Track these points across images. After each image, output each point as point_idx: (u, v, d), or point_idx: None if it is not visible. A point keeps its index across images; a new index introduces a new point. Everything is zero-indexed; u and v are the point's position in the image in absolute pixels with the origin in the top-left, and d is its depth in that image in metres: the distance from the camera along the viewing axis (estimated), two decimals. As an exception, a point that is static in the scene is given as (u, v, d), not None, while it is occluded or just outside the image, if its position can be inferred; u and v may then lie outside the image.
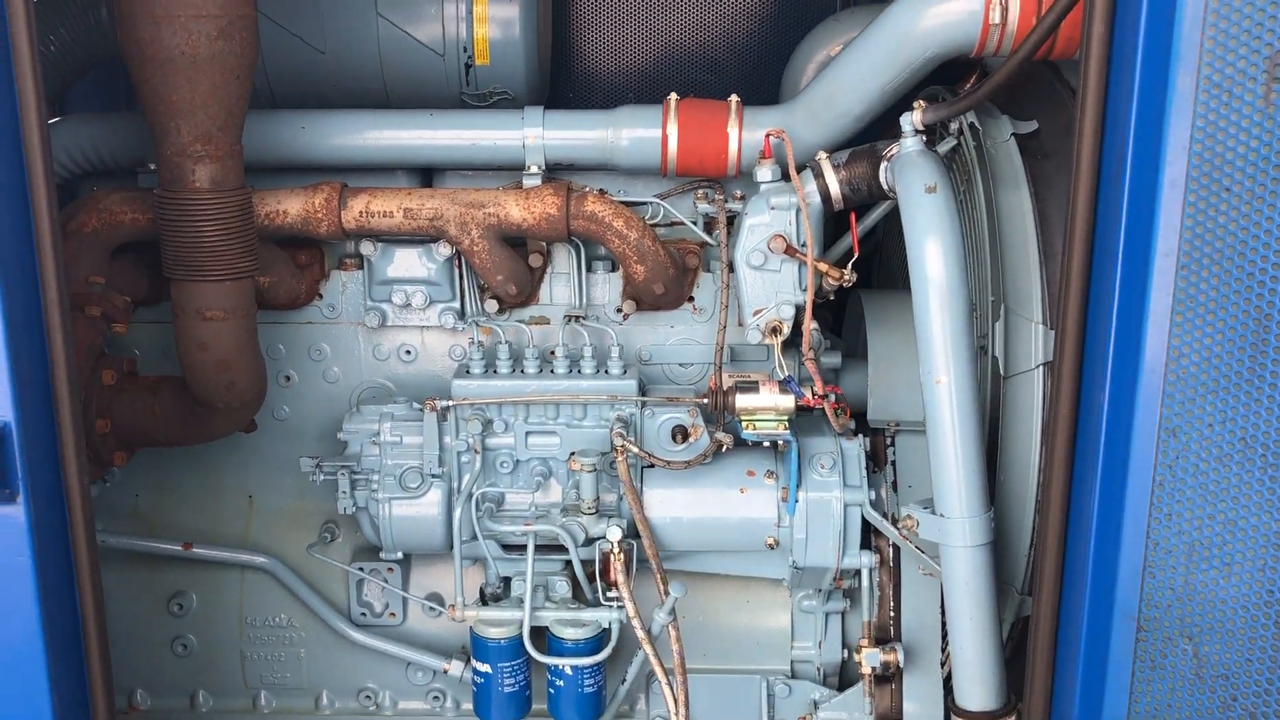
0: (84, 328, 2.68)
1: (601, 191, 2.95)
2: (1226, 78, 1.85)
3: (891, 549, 2.91)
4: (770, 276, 2.82)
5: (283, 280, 2.96)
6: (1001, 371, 2.56)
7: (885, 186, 2.69)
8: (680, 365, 3.12)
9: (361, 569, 3.10)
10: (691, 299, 3.08)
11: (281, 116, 2.95)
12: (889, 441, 3.00)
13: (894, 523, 2.83)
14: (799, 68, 3.37)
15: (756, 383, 2.83)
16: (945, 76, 2.92)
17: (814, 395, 2.75)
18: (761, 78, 4.11)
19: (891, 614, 2.91)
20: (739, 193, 3.01)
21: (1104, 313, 1.97)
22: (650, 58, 3.97)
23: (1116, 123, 1.95)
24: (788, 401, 2.79)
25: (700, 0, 3.93)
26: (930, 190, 2.42)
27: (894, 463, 2.97)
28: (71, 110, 3.23)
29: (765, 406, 2.80)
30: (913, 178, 2.45)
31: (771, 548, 2.89)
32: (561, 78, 3.86)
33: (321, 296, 3.10)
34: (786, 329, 2.85)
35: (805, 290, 2.83)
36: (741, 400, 2.80)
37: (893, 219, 2.82)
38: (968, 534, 2.40)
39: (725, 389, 2.85)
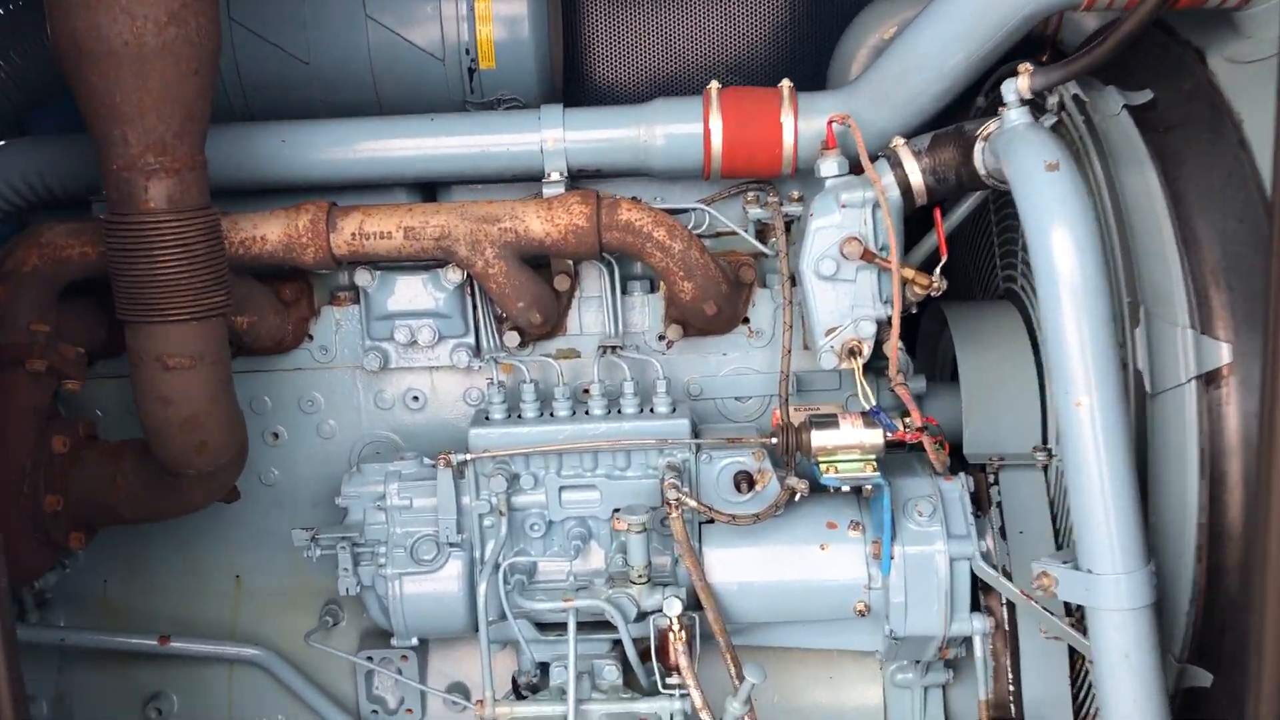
0: (25, 385, 2.23)
1: (635, 199, 2.49)
2: None
3: (1005, 608, 2.42)
4: (844, 288, 2.36)
5: (265, 320, 2.50)
6: (1147, 388, 2.08)
7: (982, 172, 2.23)
8: (736, 399, 2.65)
9: (370, 658, 2.61)
10: (746, 320, 2.61)
11: (257, 130, 2.51)
12: (992, 480, 2.52)
13: (1007, 576, 2.35)
14: (848, 54, 2.92)
15: (834, 416, 2.36)
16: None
17: (908, 428, 2.28)
18: (794, 73, 3.62)
19: (1011, 687, 2.41)
20: (796, 193, 2.55)
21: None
22: (671, 59, 3.52)
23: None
24: (875, 437, 2.32)
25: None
26: (1052, 168, 1.95)
27: (1000, 504, 2.49)
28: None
29: (848, 444, 2.33)
30: (1027, 156, 1.99)
31: (862, 614, 2.40)
32: (573, 83, 3.42)
33: (312, 338, 2.64)
34: (867, 350, 2.38)
35: (887, 303, 2.37)
36: (819, 438, 2.33)
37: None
38: (1125, 594, 1.91)
39: (796, 425, 2.37)
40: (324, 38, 2.64)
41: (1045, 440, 2.56)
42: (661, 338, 2.62)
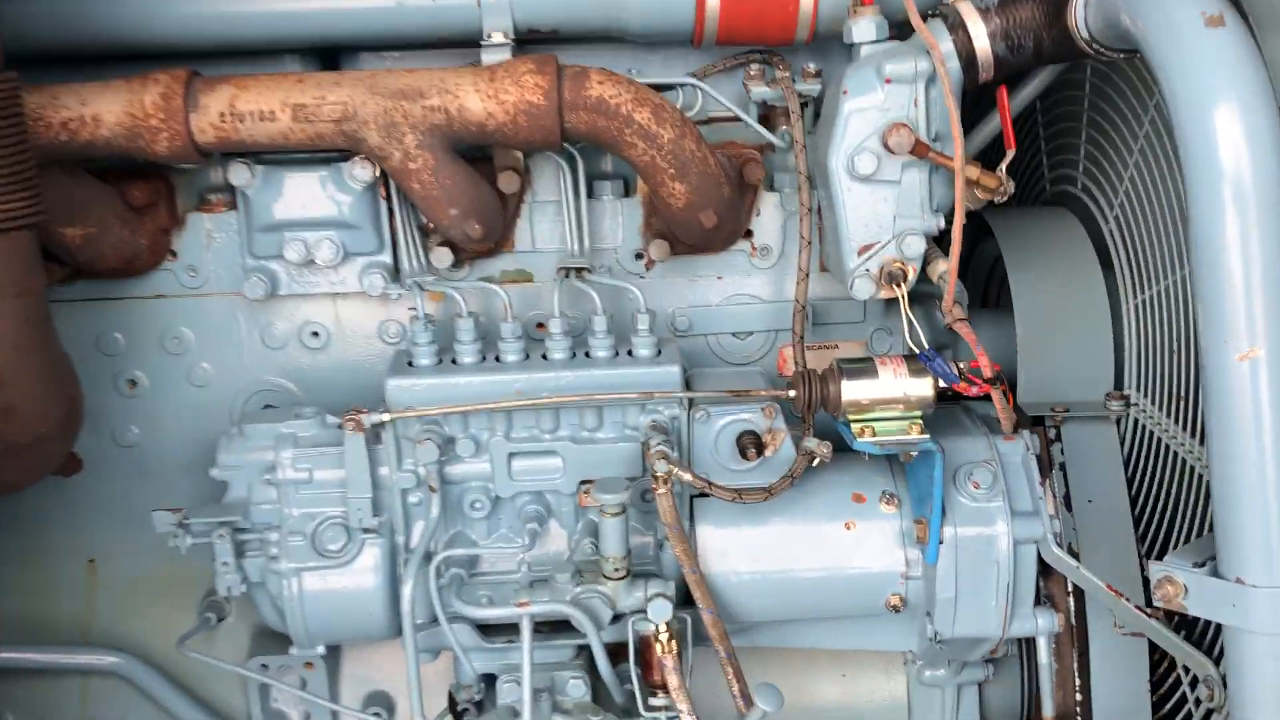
0: None
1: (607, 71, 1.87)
2: None
3: (1072, 598, 1.93)
4: (885, 192, 1.79)
5: (107, 231, 1.86)
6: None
7: (1081, 36, 1.66)
8: (734, 335, 2.08)
9: (265, 667, 2.03)
10: (749, 233, 2.03)
11: (87, -32, 1.83)
12: (1052, 435, 2.00)
13: (1074, 557, 1.85)
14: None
15: (869, 362, 1.81)
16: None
17: (968, 379, 1.74)
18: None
19: (1078, 694, 1.93)
20: (813, 66, 1.96)
21: None
22: None
23: None
24: (922, 389, 1.78)
25: None
26: (1214, 23, 1.38)
27: (1064, 466, 1.98)
28: None
29: (888, 398, 1.79)
30: (1176, 6, 1.42)
31: (896, 610, 1.88)
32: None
33: (175, 255, 2.00)
34: (913, 274, 1.82)
35: (938, 211, 1.81)
36: (852, 390, 1.78)
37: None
38: (1291, 613, 1.41)
39: (821, 374, 1.82)
40: None
41: (1120, 385, 2.05)
42: (639, 256, 2.03)
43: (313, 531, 1.86)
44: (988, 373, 1.73)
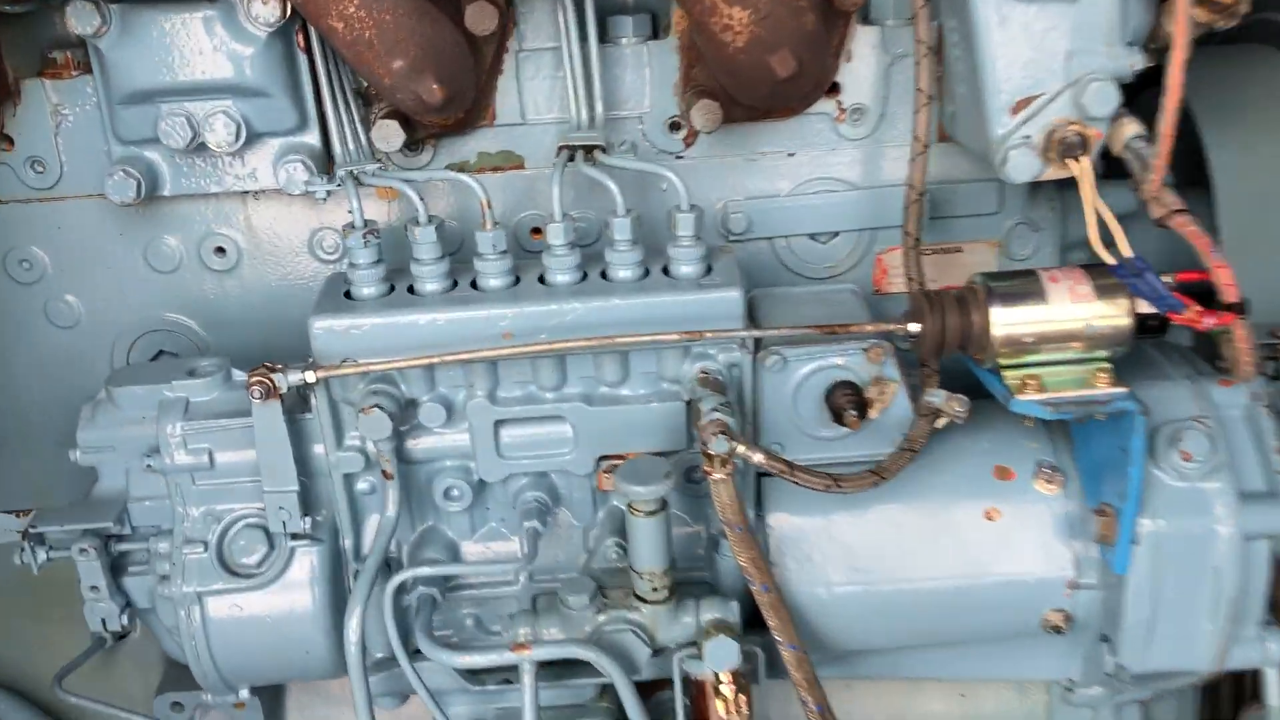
0: None
1: None
2: None
3: (1301, 608, 1.35)
4: (1056, 12, 1.16)
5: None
6: None
7: None
8: (812, 238, 1.47)
9: (179, 705, 1.48)
10: (835, 87, 1.40)
11: None
12: (1273, 370, 1.39)
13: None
14: None
15: (1031, 277, 1.20)
16: None
17: (1198, 309, 1.14)
18: None
19: (1307, 741, 1.37)
20: None
21: None
22: None
23: None
24: (1116, 317, 1.18)
25: None
26: None
27: (1290, 411, 1.38)
28: None
29: (1062, 332, 1.18)
30: None
31: (1057, 631, 1.31)
32: None
33: (11, 143, 1.40)
34: (1098, 140, 1.20)
35: (1134, 47, 1.19)
36: (1005, 319, 1.19)
37: None
38: None
39: (954, 295, 1.22)
40: None
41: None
42: (676, 127, 1.41)
43: (218, 539, 1.30)
44: (1230, 295, 1.12)
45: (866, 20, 1.37)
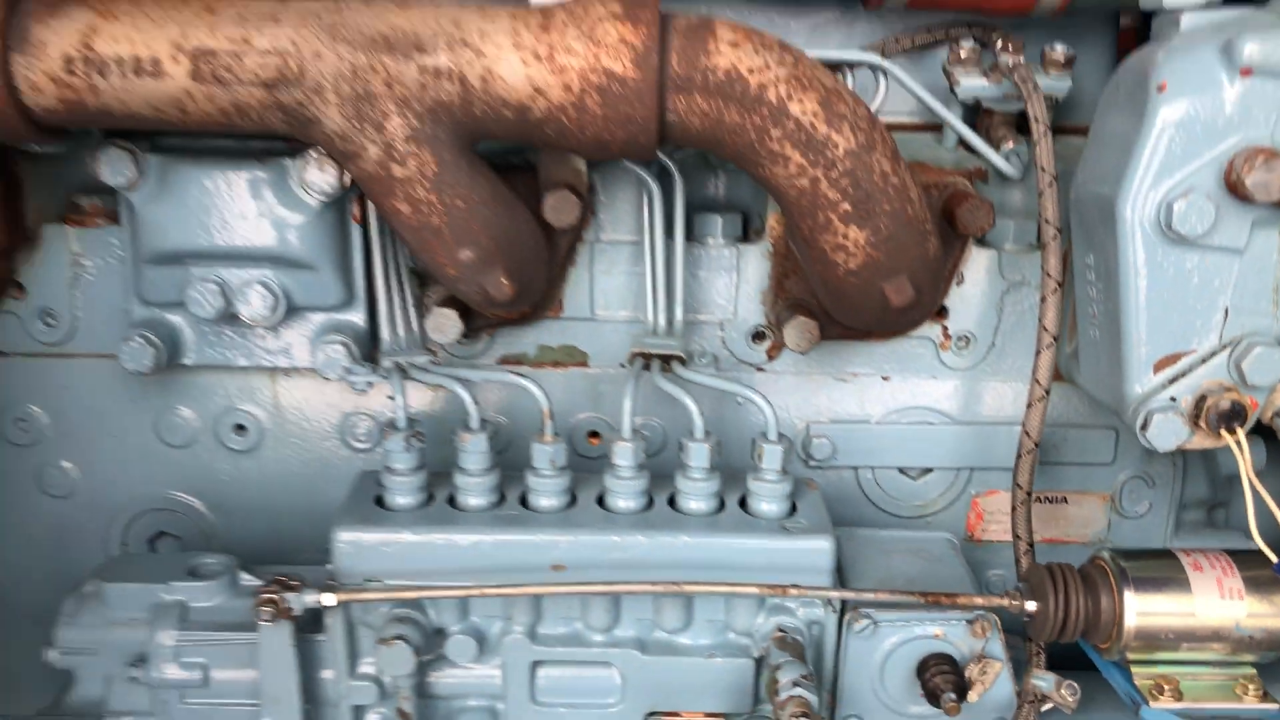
0: None
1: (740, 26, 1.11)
2: None
3: None
4: (1218, 264, 1.03)
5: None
6: None
7: None
8: (903, 472, 1.31)
9: None
10: (942, 310, 1.26)
11: None
12: None
13: None
14: None
15: (1170, 559, 1.04)
16: None
17: (1374, 614, 0.97)
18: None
19: None
20: (1060, 50, 1.20)
21: None
22: None
23: None
24: (1272, 616, 1.01)
25: None
26: None
27: None
28: None
29: (1206, 628, 1.02)
30: None
31: None
32: None
33: (23, 290, 1.26)
34: (1255, 409, 1.05)
35: (1304, 305, 1.05)
36: (1141, 607, 1.02)
37: None
38: None
39: (1079, 570, 1.05)
40: None
41: None
42: (760, 336, 1.27)
43: (198, 775, 1.11)
44: None
45: (982, 242, 1.24)
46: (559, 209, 1.14)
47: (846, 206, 1.04)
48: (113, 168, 1.13)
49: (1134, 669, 1.03)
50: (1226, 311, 1.05)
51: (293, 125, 1.03)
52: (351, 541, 1.09)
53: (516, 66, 1.00)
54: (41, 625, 1.27)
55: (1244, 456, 1.02)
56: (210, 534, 1.33)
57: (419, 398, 1.29)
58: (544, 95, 1.00)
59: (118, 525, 1.33)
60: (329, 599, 1.06)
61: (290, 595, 1.05)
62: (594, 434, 1.30)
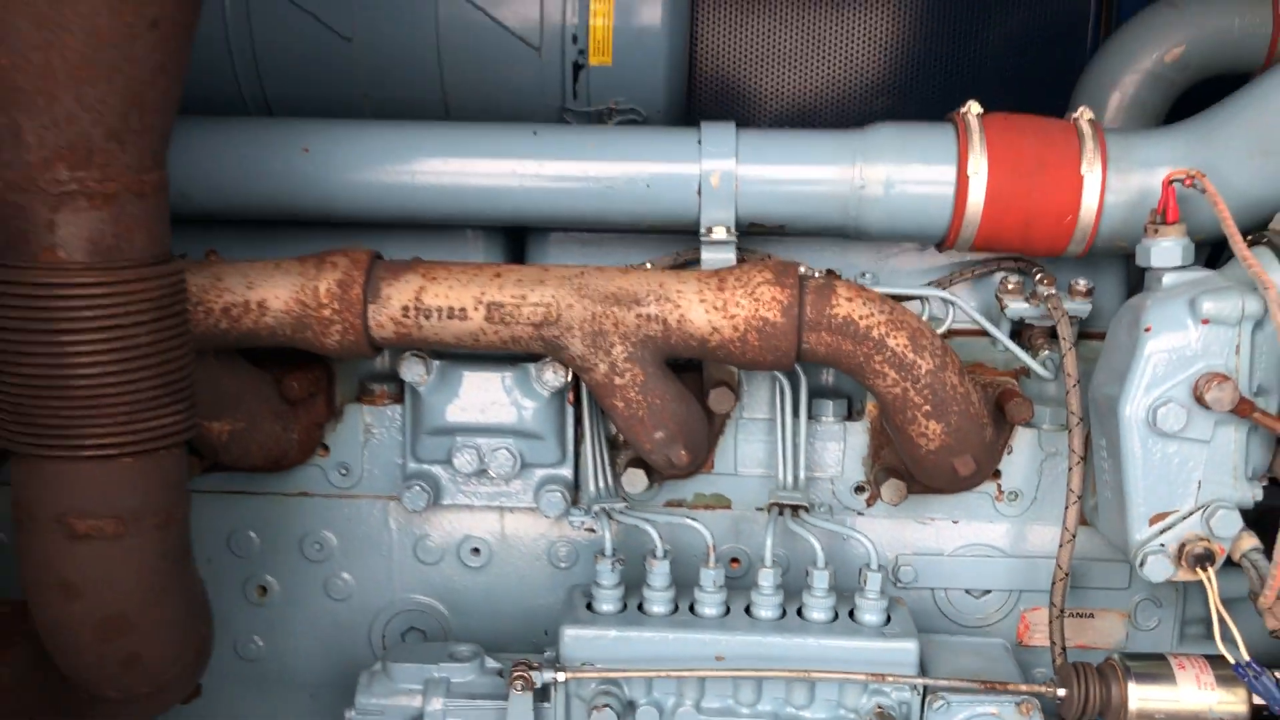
0: None
1: (850, 282, 1.59)
2: None
3: None
4: (1190, 452, 1.46)
5: (258, 427, 1.62)
6: None
7: None
8: (968, 592, 1.74)
9: None
10: (997, 473, 1.70)
11: (266, 129, 1.65)
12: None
13: None
14: (1108, 79, 2.04)
15: (1164, 661, 1.45)
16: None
17: (1305, 703, 1.37)
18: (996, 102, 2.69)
19: None
20: (1082, 283, 1.66)
21: None
22: (812, 77, 2.60)
23: None
24: (1234, 706, 1.41)
25: (880, 9, 2.57)
26: None
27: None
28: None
29: (1189, 712, 1.42)
30: None
31: None
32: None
33: (327, 449, 1.75)
34: (1222, 555, 1.47)
35: (1254, 481, 1.47)
36: (1142, 696, 1.42)
37: None
38: None
39: (1098, 669, 1.47)
40: (376, 7, 1.77)
41: None
42: (860, 489, 1.72)
43: (458, 809, 1.55)
44: (1338, 703, 1.36)
45: (1028, 424, 1.69)
46: (720, 401, 1.61)
47: (927, 408, 1.49)
48: (410, 369, 1.63)
49: (1138, 741, 1.44)
50: (1199, 484, 1.47)
51: (547, 350, 1.51)
52: (573, 635, 1.53)
53: (700, 314, 1.48)
54: (313, 694, 1.74)
55: (1212, 589, 1.43)
56: (447, 630, 1.78)
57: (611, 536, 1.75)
58: (719, 333, 1.48)
59: (380, 622, 1.80)
60: (560, 676, 1.51)
61: (534, 673, 1.50)
62: (735, 560, 1.74)
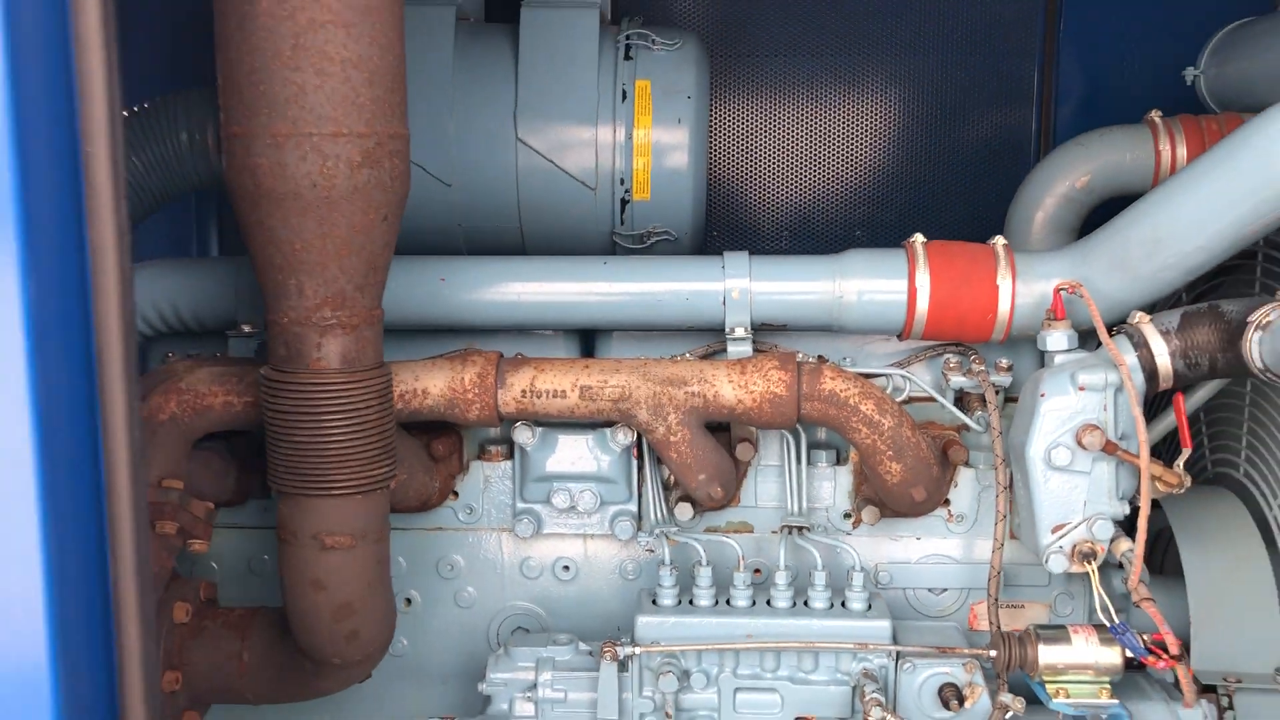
0: (155, 549, 1.96)
1: (834, 366, 2.24)
2: None
3: None
4: (1076, 480, 2.08)
5: (414, 478, 2.24)
6: None
7: (1256, 365, 1.95)
8: (929, 591, 2.35)
9: None
10: (947, 502, 2.32)
11: (415, 265, 2.29)
12: (1226, 704, 2.20)
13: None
14: (1030, 205, 2.71)
15: (1063, 629, 2.06)
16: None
17: (1155, 653, 1.97)
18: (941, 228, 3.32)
19: None
20: (1005, 361, 2.30)
21: None
22: (797, 205, 3.31)
23: None
24: (1112, 658, 2.02)
25: (858, 137, 3.28)
26: (1375, 377, 1.68)
27: (1238, 734, 2.17)
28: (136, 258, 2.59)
29: (1080, 664, 2.03)
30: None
31: None
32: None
33: (457, 495, 2.38)
34: (1102, 554, 2.08)
35: (1124, 499, 2.09)
36: (1049, 655, 2.03)
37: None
38: None
39: (1018, 635, 2.07)
40: (470, 159, 2.45)
41: (1288, 659, 2.24)
42: (848, 516, 2.34)
43: (563, 763, 2.15)
44: (1174, 649, 1.96)
45: (966, 464, 2.31)
46: (744, 452, 2.24)
47: (890, 453, 2.12)
48: (521, 434, 2.26)
49: (1046, 684, 2.03)
50: (1085, 503, 2.08)
51: (620, 418, 2.15)
52: (644, 622, 2.14)
53: (729, 391, 2.12)
54: (444, 681, 2.35)
55: (1094, 575, 2.04)
56: (545, 628, 2.39)
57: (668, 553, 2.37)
58: (742, 404, 2.11)
59: (495, 624, 2.40)
60: (636, 650, 2.11)
61: (618, 648, 2.11)
62: (757, 569, 2.35)
